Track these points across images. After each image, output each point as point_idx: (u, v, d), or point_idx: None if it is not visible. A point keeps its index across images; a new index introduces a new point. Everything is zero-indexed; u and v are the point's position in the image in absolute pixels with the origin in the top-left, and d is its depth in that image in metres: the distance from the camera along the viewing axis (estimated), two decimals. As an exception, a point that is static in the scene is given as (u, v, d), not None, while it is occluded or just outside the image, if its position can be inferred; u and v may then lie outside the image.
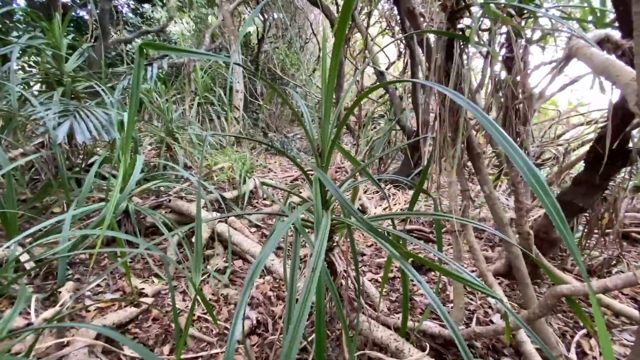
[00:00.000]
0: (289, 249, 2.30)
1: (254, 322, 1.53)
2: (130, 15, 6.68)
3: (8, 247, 1.57)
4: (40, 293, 1.48)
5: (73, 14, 5.47)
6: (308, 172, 1.21)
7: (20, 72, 3.02)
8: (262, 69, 7.59)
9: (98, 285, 1.66)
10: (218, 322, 1.52)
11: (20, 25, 3.79)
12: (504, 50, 1.46)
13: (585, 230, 1.99)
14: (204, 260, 2.04)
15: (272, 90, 7.63)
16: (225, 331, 1.49)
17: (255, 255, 2.07)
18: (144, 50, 0.84)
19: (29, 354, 0.95)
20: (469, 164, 1.74)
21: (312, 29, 7.64)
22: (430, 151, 1.59)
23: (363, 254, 2.39)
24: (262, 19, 7.41)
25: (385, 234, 1.10)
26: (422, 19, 1.80)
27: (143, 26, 6.29)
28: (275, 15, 7.59)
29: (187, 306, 1.62)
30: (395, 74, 5.62)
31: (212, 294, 1.75)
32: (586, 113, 3.13)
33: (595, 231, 1.99)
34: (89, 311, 1.48)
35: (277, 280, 1.96)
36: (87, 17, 6.06)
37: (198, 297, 1.52)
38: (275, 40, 7.77)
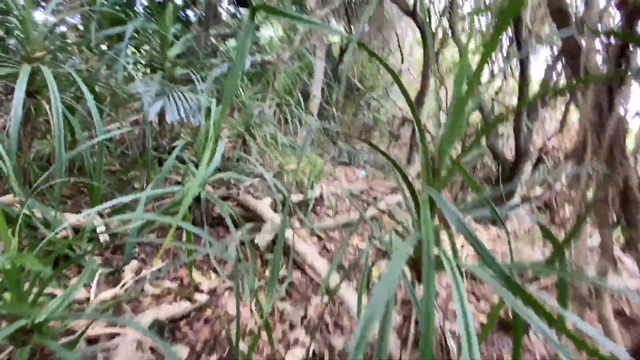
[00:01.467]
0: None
1: (310, 352, 1.31)
2: (227, 17, 7.21)
3: (88, 215, 1.60)
4: (106, 267, 1.46)
5: (182, 13, 6.08)
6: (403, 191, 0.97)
7: (131, 56, 3.32)
8: (341, 78, 7.56)
9: (158, 269, 1.61)
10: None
11: (138, 15, 4.27)
12: None
13: None
14: (263, 264, 1.91)
15: (348, 100, 7.55)
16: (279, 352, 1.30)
17: (318, 269, 1.87)
18: (255, 13, 0.70)
19: (79, 338, 0.85)
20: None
21: (399, 42, 7.40)
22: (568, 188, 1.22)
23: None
24: (348, 30, 7.41)
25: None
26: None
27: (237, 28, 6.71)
28: (361, 27, 7.54)
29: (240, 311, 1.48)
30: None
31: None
32: None
33: None
34: (145, 295, 1.41)
35: (337, 305, 1.73)
36: (193, 18, 6.71)
37: (255, 311, 1.37)
38: (357, 51, 7.69)
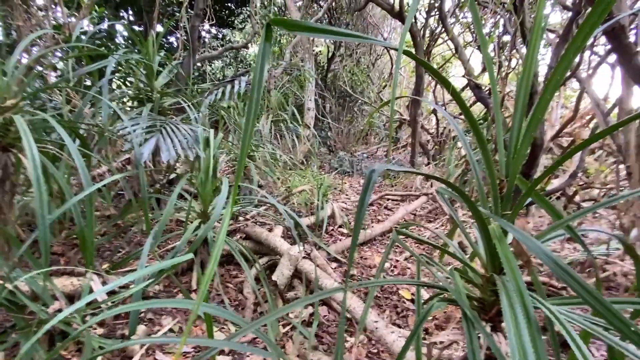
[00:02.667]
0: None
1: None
2: (209, 39, 7.12)
3: (83, 276, 1.40)
4: (109, 339, 1.26)
5: (163, 39, 5.96)
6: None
7: (117, 90, 3.16)
8: (331, 87, 7.46)
9: (171, 330, 1.41)
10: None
11: (120, 47, 4.13)
12: None
13: None
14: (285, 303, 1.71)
15: (341, 108, 7.43)
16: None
17: (347, 304, 1.67)
18: (271, 29, 0.53)
19: None
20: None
21: (386, 46, 7.32)
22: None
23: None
24: (332, 38, 7.34)
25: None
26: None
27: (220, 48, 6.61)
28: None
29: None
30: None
31: (298, 356, 1.38)
32: None
33: None
34: (159, 368, 1.21)
35: (374, 344, 1.54)
36: (175, 43, 6.61)
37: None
38: (345, 58, 7.61)
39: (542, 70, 3.22)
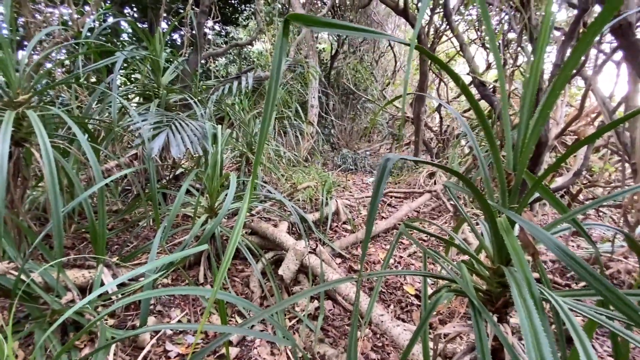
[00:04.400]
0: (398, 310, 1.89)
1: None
2: (213, 36, 7.13)
3: (94, 268, 1.43)
4: (120, 329, 1.29)
5: (168, 37, 5.97)
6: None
7: (122, 86, 3.18)
8: (335, 84, 7.45)
9: (179, 320, 1.44)
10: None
11: (125, 44, 4.14)
12: None
13: None
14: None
15: (344, 106, 7.43)
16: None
17: (350, 298, 1.69)
18: (289, 24, 0.54)
19: None
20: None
21: (390, 43, 7.31)
22: None
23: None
24: (336, 35, 7.33)
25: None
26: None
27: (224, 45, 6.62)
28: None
29: (276, 363, 1.30)
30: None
31: (304, 349, 1.41)
32: None
33: None
34: (169, 358, 1.24)
35: (379, 337, 1.56)
36: (179, 41, 6.62)
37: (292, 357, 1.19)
38: (349, 55, 7.60)
39: (546, 68, 3.21)
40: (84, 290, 1.38)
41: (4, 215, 1.09)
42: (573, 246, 2.61)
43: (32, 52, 2.05)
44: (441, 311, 1.81)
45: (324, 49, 8.31)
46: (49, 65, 2.37)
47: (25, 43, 3.00)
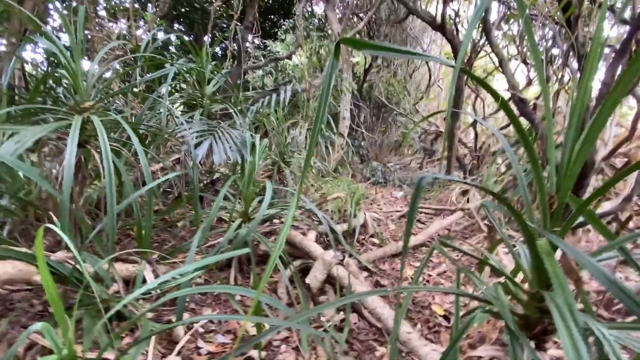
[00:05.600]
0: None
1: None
2: (252, 49, 7.47)
3: (137, 263, 1.54)
4: (156, 321, 1.37)
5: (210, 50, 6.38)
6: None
7: (170, 96, 3.42)
8: (367, 97, 7.50)
9: (210, 321, 1.50)
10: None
11: (174, 56, 4.47)
12: None
13: None
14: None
15: (375, 118, 7.44)
16: None
17: (377, 312, 1.68)
18: (340, 46, 0.59)
19: None
20: None
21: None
22: None
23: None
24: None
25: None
26: None
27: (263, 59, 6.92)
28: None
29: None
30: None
31: None
32: None
33: None
34: (200, 354, 1.30)
35: (405, 355, 1.52)
36: (220, 53, 7.02)
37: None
38: (382, 69, 7.64)
39: (594, 86, 3.05)
40: (127, 282, 1.49)
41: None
42: (621, 277, 2.41)
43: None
44: (471, 335, 1.74)
45: (357, 62, 8.42)
46: (108, 75, 2.61)
47: (88, 54, 3.33)
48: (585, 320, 0.69)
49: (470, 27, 0.61)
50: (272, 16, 7.27)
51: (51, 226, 0.76)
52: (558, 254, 0.81)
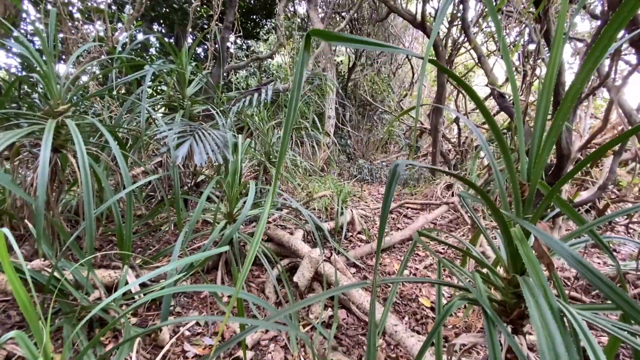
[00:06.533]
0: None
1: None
2: (235, 50, 7.40)
3: (119, 269, 1.50)
4: (141, 326, 1.35)
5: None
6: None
7: (149, 98, 3.35)
8: (352, 95, 7.55)
9: (197, 323, 1.48)
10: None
11: (153, 58, 4.38)
12: None
13: None
14: (305, 305, 1.75)
15: (361, 117, 7.49)
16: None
17: (362, 307, 1.69)
18: (310, 39, 0.59)
19: None
20: None
21: (407, 55, 7.35)
22: None
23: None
24: (354, 48, 7.45)
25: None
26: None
27: (244, 59, 6.86)
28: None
29: (289, 368, 1.32)
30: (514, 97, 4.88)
31: (318, 356, 1.41)
32: None
33: None
34: (186, 358, 1.28)
35: (393, 348, 1.54)
36: (202, 54, 6.92)
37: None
38: (366, 67, 7.69)
39: (568, 80, 3.15)
40: (109, 289, 1.46)
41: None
42: (599, 262, 2.50)
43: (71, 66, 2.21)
44: (457, 325, 1.78)
45: (341, 61, 8.45)
46: (84, 78, 2.54)
47: (64, 57, 3.23)
48: (557, 302, 0.72)
49: (439, 17, 0.62)
50: (254, 16, 7.22)
51: (5, 230, 0.72)
52: (532, 240, 0.83)
